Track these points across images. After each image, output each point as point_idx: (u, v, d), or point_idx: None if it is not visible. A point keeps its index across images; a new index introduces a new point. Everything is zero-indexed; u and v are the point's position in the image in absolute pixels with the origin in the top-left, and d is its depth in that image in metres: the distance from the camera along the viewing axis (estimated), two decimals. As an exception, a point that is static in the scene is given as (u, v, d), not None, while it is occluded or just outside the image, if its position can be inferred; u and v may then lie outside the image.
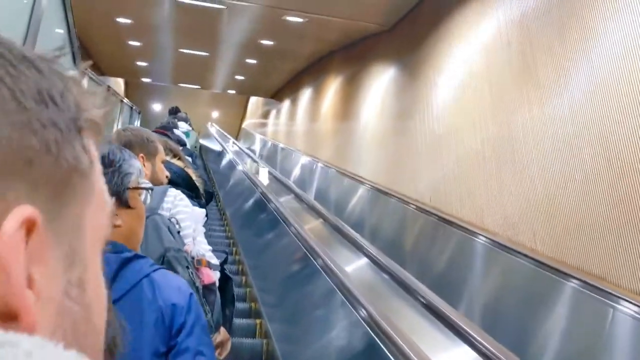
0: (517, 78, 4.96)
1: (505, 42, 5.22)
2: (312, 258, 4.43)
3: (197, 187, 2.72)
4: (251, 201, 7.46)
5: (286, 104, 16.20)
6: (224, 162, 11.33)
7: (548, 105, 4.48)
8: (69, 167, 0.35)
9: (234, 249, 6.59)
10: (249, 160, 11.71)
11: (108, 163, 1.37)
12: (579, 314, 3.61)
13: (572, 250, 3.95)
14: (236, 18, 9.25)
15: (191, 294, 1.41)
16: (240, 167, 8.99)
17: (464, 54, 6.04)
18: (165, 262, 1.81)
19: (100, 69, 15.27)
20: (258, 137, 18.39)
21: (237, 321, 4.14)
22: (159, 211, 2.04)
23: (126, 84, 21.33)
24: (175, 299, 1.36)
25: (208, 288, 2.12)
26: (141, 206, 1.48)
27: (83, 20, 10.17)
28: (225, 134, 16.35)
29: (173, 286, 1.39)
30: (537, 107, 4.61)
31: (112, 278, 1.24)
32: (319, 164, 10.21)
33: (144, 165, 2.02)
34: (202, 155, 12.96)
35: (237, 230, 7.08)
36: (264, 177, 7.83)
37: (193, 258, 2.09)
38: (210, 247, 2.37)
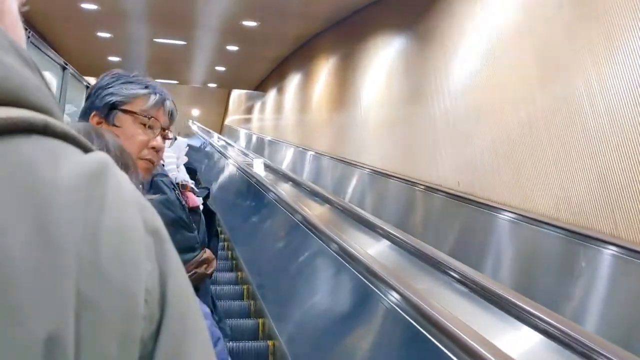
0: (576, 31, 4.01)
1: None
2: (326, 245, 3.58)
3: (195, 170, 2.81)
4: (252, 197, 6.46)
5: (272, 94, 15.17)
6: (213, 159, 10.31)
7: (619, 64, 3.55)
8: None
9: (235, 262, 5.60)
10: (237, 152, 10.71)
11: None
12: None
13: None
14: (215, -5, 8.24)
15: None
16: (231, 162, 7.98)
17: (491, 12, 5.09)
18: (153, 185, 1.87)
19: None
20: (242, 133, 17.37)
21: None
22: None
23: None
24: None
25: (193, 210, 2.17)
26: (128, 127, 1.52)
27: (43, 8, 9.12)
28: (209, 130, 15.32)
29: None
30: (606, 67, 3.68)
31: None
32: (326, 157, 9.26)
33: None
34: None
35: (241, 249, 6.09)
36: (260, 169, 6.83)
37: (178, 184, 2.16)
38: (193, 182, 2.48)
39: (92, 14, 9.69)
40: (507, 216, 4.50)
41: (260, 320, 3.80)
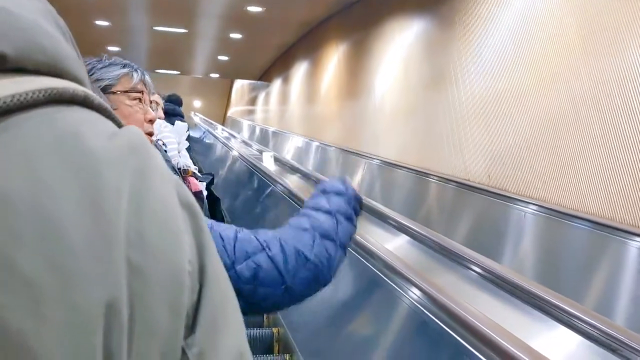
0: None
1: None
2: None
3: (212, 175, 2.73)
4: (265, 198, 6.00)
5: (276, 84, 14.67)
6: (217, 151, 9.85)
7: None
8: None
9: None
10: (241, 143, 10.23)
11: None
12: None
13: None
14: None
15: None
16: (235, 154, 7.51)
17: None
18: None
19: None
20: (246, 124, 16.89)
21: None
22: None
23: (99, 75, 19.65)
24: None
25: (195, 195, 2.09)
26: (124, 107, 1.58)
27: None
28: (212, 121, 14.85)
29: None
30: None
31: None
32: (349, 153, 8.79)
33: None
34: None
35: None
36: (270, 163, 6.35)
37: (180, 169, 2.16)
38: (196, 167, 2.51)
39: (89, 0, 9.21)
40: (547, 214, 4.03)
41: (275, 330, 3.34)
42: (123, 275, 0.34)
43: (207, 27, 11.26)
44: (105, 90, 1.54)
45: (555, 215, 3.96)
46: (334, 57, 9.70)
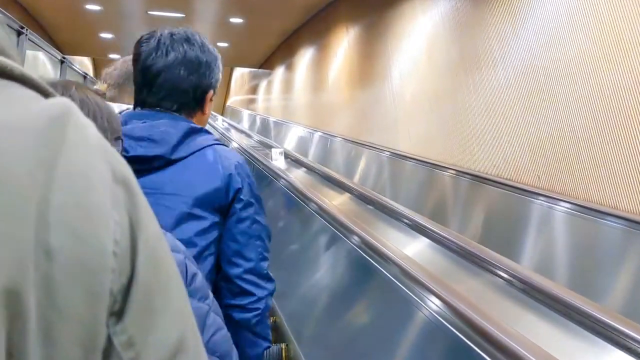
0: None
1: None
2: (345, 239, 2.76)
3: None
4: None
5: (279, 72, 13.93)
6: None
7: None
8: None
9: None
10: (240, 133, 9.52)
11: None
12: None
13: None
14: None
15: (248, 174, 1.51)
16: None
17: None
18: None
19: (58, 46, 12.91)
20: (246, 114, 16.18)
21: None
22: None
23: (94, 64, 18.90)
24: (233, 170, 1.46)
25: None
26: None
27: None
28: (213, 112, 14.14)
29: (230, 159, 1.48)
30: None
31: (179, 141, 1.42)
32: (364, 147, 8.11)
33: None
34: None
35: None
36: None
37: None
38: None
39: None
40: (618, 224, 3.36)
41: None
42: (30, 257, 0.30)
43: (205, 11, 10.53)
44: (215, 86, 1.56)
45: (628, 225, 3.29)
46: (344, 41, 8.97)
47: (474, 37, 5.18)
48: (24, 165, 0.31)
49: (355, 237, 2.99)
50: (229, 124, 12.13)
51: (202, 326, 1.12)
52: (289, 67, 12.76)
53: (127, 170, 0.38)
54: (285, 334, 3.02)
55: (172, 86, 1.45)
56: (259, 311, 1.48)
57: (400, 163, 6.35)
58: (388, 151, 6.71)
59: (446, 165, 5.38)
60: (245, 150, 6.47)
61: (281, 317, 3.09)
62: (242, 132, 11.07)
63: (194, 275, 1.13)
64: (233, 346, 1.20)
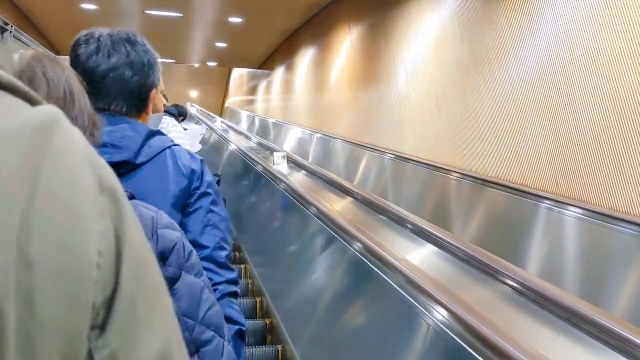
0: None
1: None
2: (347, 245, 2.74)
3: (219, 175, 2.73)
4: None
5: (279, 72, 13.69)
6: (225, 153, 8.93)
7: None
8: None
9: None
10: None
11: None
12: None
13: None
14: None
15: (201, 160, 1.57)
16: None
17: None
18: None
19: (53, 47, 12.66)
20: (244, 115, 15.94)
21: None
22: None
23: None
24: (194, 166, 1.50)
25: None
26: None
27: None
28: (210, 112, 13.93)
29: (188, 157, 1.52)
30: None
31: (141, 145, 1.43)
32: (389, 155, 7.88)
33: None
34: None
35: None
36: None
37: None
38: None
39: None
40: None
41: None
42: (11, 267, 0.30)
43: (203, 10, 10.30)
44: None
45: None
46: (346, 41, 8.74)
47: (485, 34, 4.94)
48: (8, 174, 0.31)
49: (358, 243, 2.86)
50: (228, 125, 11.89)
51: (198, 301, 1.17)
52: (289, 68, 12.52)
53: (113, 180, 0.38)
54: (282, 335, 2.86)
55: (120, 88, 1.44)
56: None
57: (405, 166, 6.12)
58: (392, 153, 6.48)
59: (455, 170, 5.15)
60: (245, 153, 6.23)
61: (285, 336, 2.87)
62: (240, 133, 10.82)
63: (190, 252, 1.17)
64: (224, 321, 1.25)
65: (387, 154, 6.63)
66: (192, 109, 14.60)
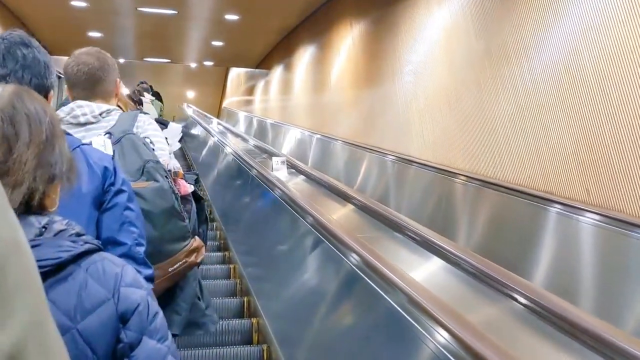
0: None
1: None
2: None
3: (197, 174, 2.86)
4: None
5: (277, 72, 13.29)
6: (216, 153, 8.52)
7: None
8: None
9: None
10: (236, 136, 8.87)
11: None
12: None
13: None
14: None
15: (112, 157, 1.63)
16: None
17: None
18: (144, 172, 1.90)
19: (44, 46, 12.23)
20: (242, 116, 15.55)
21: None
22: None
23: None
24: (106, 163, 1.51)
25: (184, 198, 2.19)
26: None
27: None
28: (207, 114, 13.54)
29: (99, 154, 1.54)
30: None
31: None
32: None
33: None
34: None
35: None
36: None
37: (170, 170, 2.15)
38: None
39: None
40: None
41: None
42: None
43: (199, 7, 9.91)
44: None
45: None
46: (348, 39, 8.34)
47: (503, 28, 4.54)
48: None
49: (355, 255, 2.62)
50: (225, 127, 11.50)
51: None
52: (288, 67, 12.12)
53: None
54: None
55: None
56: None
57: (412, 170, 5.72)
58: (397, 156, 6.08)
59: (470, 175, 4.75)
60: (241, 157, 5.84)
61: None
62: (238, 135, 10.42)
63: (156, 313, 1.10)
64: None
65: (391, 156, 6.23)
66: (189, 110, 14.21)
